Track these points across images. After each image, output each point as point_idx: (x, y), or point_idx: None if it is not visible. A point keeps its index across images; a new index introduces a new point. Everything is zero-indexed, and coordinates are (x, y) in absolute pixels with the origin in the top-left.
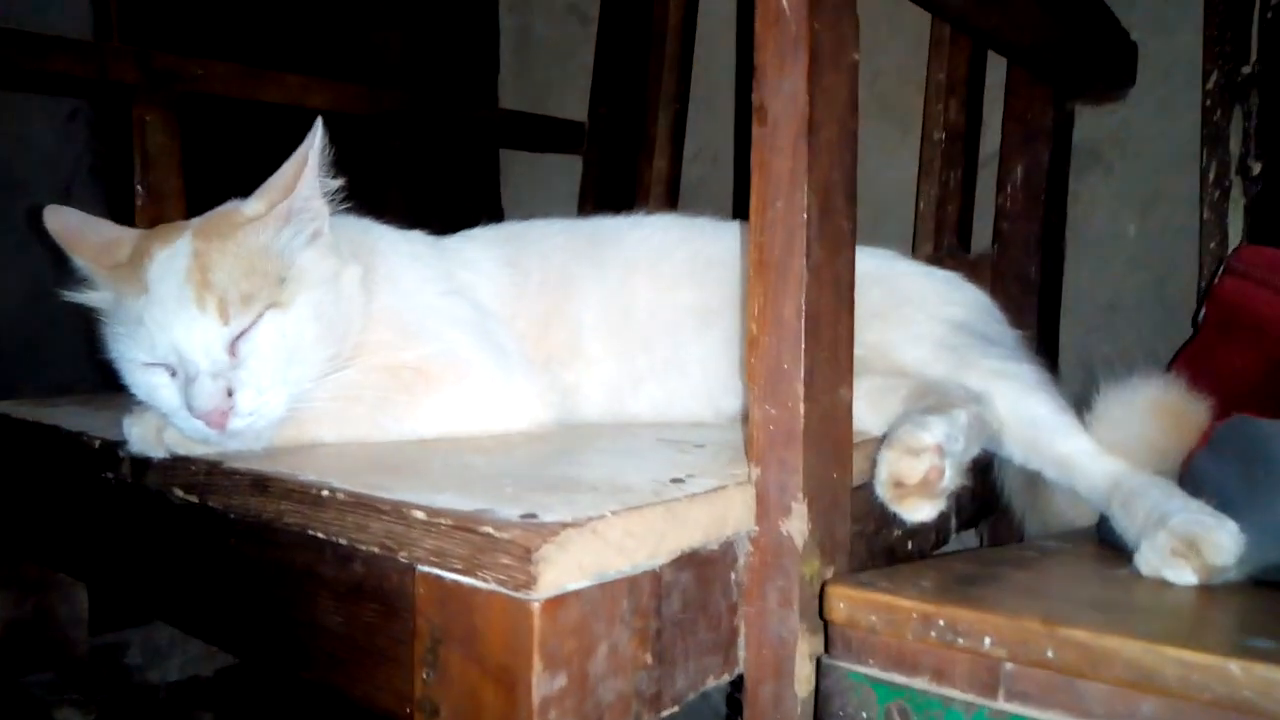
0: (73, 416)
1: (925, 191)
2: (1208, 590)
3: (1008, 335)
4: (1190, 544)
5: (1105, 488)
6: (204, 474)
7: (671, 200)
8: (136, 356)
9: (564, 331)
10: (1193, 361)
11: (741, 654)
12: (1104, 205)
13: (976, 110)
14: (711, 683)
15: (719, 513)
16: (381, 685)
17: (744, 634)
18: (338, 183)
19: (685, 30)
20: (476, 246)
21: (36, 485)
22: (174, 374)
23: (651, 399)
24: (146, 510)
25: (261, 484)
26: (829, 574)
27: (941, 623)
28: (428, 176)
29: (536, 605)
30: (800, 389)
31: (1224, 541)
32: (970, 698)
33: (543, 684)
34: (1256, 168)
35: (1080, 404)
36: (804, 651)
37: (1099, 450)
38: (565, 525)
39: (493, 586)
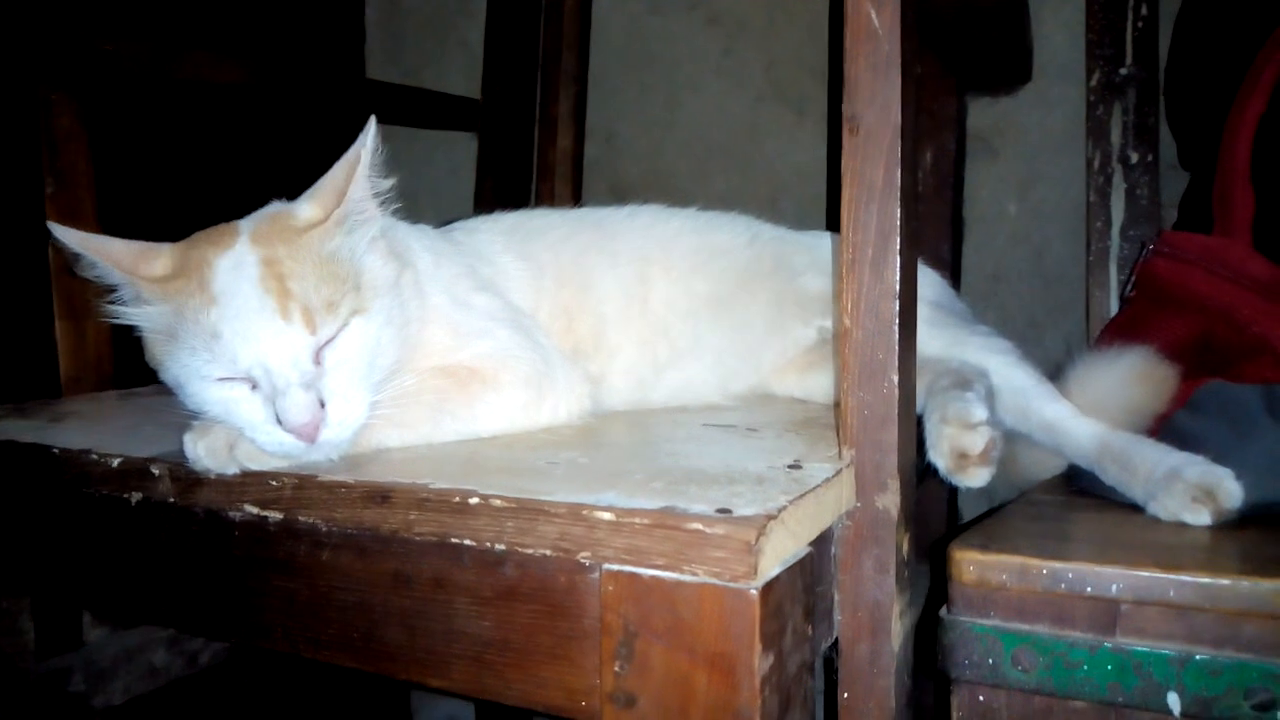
0: (48, 433)
1: None
2: (1225, 528)
3: (965, 310)
4: (1208, 491)
5: (1091, 448)
6: (291, 489)
7: (576, 179)
8: (210, 372)
9: (587, 324)
10: (1125, 330)
11: (837, 618)
12: (988, 187)
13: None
14: (823, 647)
15: (837, 494)
16: (547, 683)
17: (838, 600)
18: (389, 183)
19: (582, 10)
20: (483, 240)
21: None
22: (254, 387)
23: (670, 386)
24: (189, 530)
25: (382, 495)
26: (906, 541)
27: (1070, 575)
28: (292, 150)
29: (755, 593)
30: (895, 376)
31: (1234, 488)
32: (1091, 637)
33: (761, 665)
34: (1134, 157)
35: None
36: (897, 612)
37: (1078, 413)
38: (768, 518)
39: (704, 579)
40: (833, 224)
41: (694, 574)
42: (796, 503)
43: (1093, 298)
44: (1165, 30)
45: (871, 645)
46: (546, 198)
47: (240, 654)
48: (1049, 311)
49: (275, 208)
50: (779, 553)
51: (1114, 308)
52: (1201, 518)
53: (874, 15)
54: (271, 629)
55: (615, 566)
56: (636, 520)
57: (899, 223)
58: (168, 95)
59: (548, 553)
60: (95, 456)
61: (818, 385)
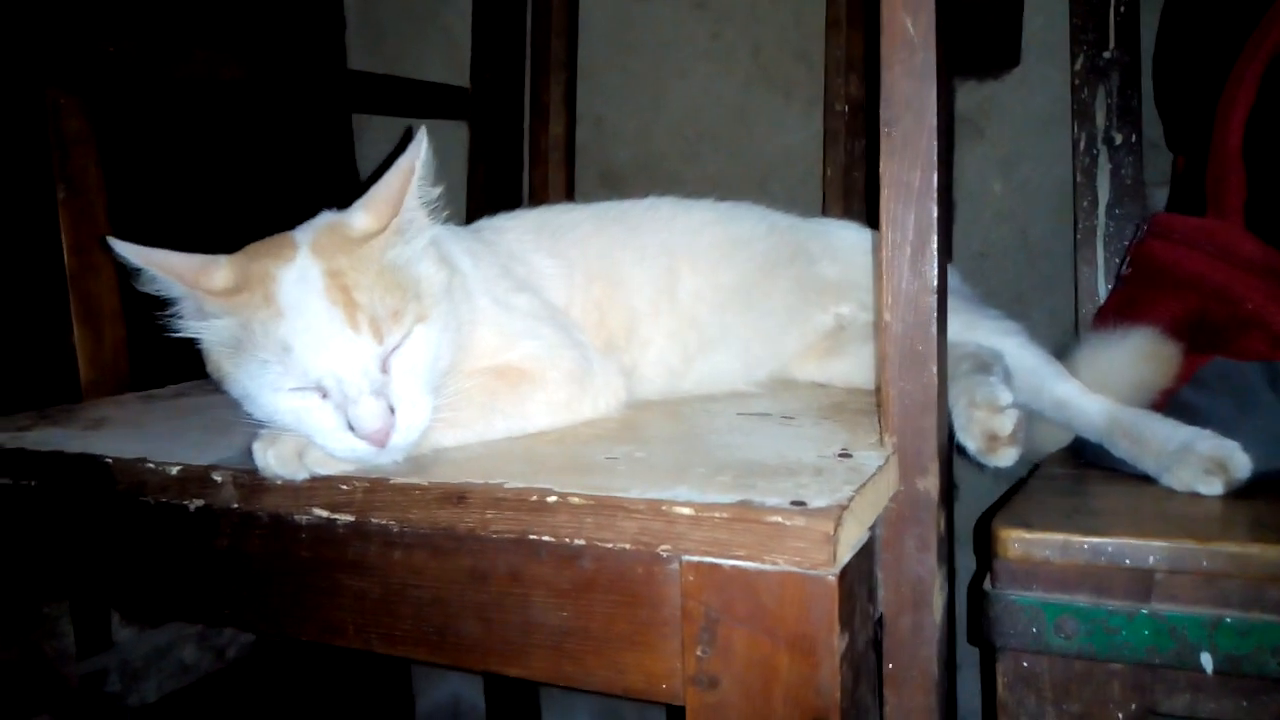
0: (93, 441)
1: (832, 159)
2: (1236, 497)
3: (971, 292)
4: (1220, 464)
5: (1102, 423)
6: (363, 492)
7: (569, 165)
8: (282, 383)
9: (619, 318)
10: (1123, 309)
11: (880, 594)
12: (974, 167)
13: (875, 84)
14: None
15: (887, 480)
16: (627, 668)
17: (882, 578)
18: (438, 190)
19: None
20: (513, 239)
21: (58, 520)
22: (324, 396)
23: (699, 375)
24: (252, 534)
25: (458, 496)
26: (943, 520)
27: (1110, 549)
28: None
29: (833, 579)
30: (934, 367)
31: (1243, 459)
32: (1128, 605)
33: (840, 645)
34: (1119, 138)
35: None
36: (937, 586)
37: (1087, 390)
38: (841, 508)
39: (785, 568)
40: (829, 206)
41: (775, 563)
42: (860, 492)
43: (1080, 274)
44: (1147, 14)
45: (914, 618)
46: (540, 184)
47: (264, 646)
48: (1034, 287)
49: (328, 218)
50: (850, 540)
51: (1101, 284)
52: (1214, 488)
53: (910, 24)
54: (343, 626)
55: (695, 558)
56: (716, 514)
57: (935, 221)
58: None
59: (627, 546)
60: (152, 465)
61: (837, 370)
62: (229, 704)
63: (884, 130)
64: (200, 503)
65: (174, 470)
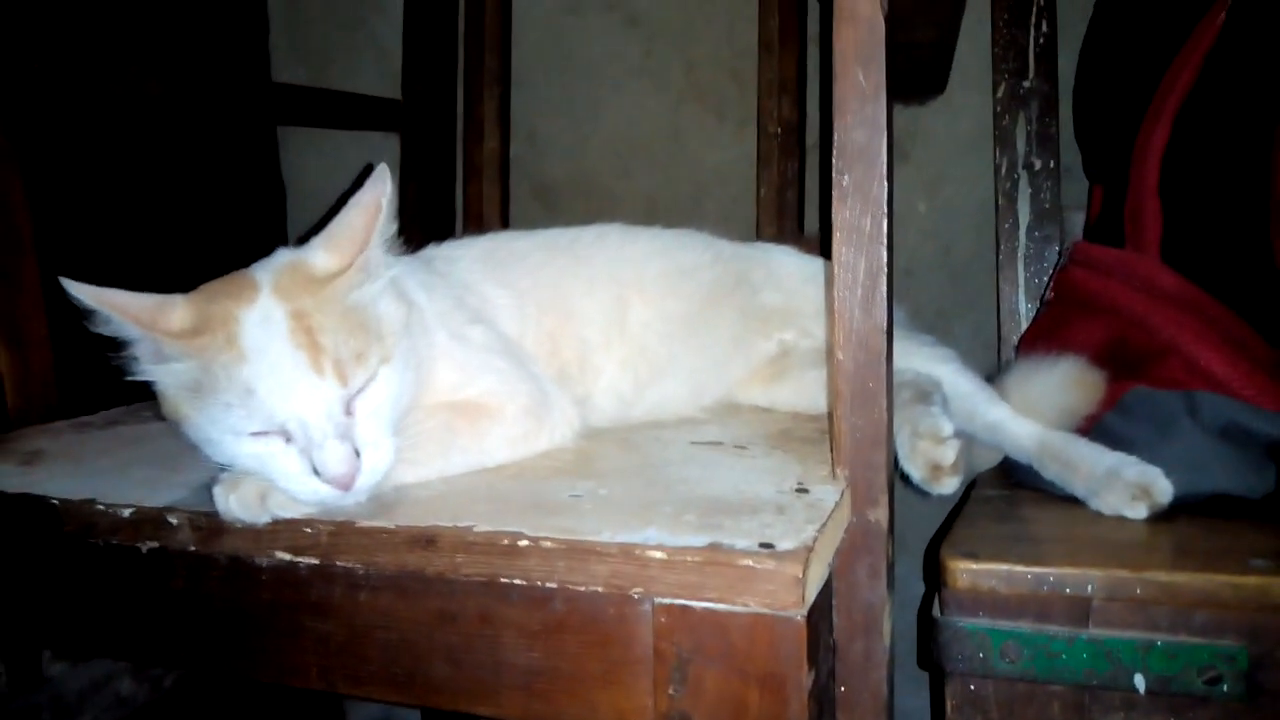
0: (33, 479)
1: (766, 180)
2: (1158, 520)
3: (904, 316)
4: (1145, 489)
5: (1031, 446)
6: (328, 535)
7: (503, 181)
8: (244, 428)
9: (571, 348)
10: (1047, 333)
11: (834, 620)
12: (900, 187)
13: (804, 106)
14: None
15: (842, 514)
16: (598, 706)
17: (835, 605)
18: (395, 226)
19: (503, 10)
20: (464, 269)
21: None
22: (288, 439)
23: (649, 403)
24: (209, 576)
25: (426, 539)
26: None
27: (1052, 578)
28: (200, 154)
29: (801, 619)
30: (884, 402)
31: (1166, 485)
32: (1068, 630)
33: (808, 681)
34: (1038, 164)
35: None
36: (887, 612)
37: (1016, 415)
38: (807, 550)
39: (755, 609)
40: (762, 226)
41: (745, 605)
42: (822, 531)
43: (1002, 292)
44: (1065, 46)
45: (865, 643)
46: (474, 200)
47: (199, 676)
48: (956, 303)
49: (288, 256)
50: (816, 580)
51: (1022, 301)
52: (1140, 512)
53: (861, 77)
54: (305, 668)
55: (668, 600)
56: (688, 558)
57: (885, 265)
58: (83, 110)
59: (599, 589)
60: (103, 507)
61: (781, 396)
62: None
63: (836, 178)
64: (154, 545)
65: (126, 512)
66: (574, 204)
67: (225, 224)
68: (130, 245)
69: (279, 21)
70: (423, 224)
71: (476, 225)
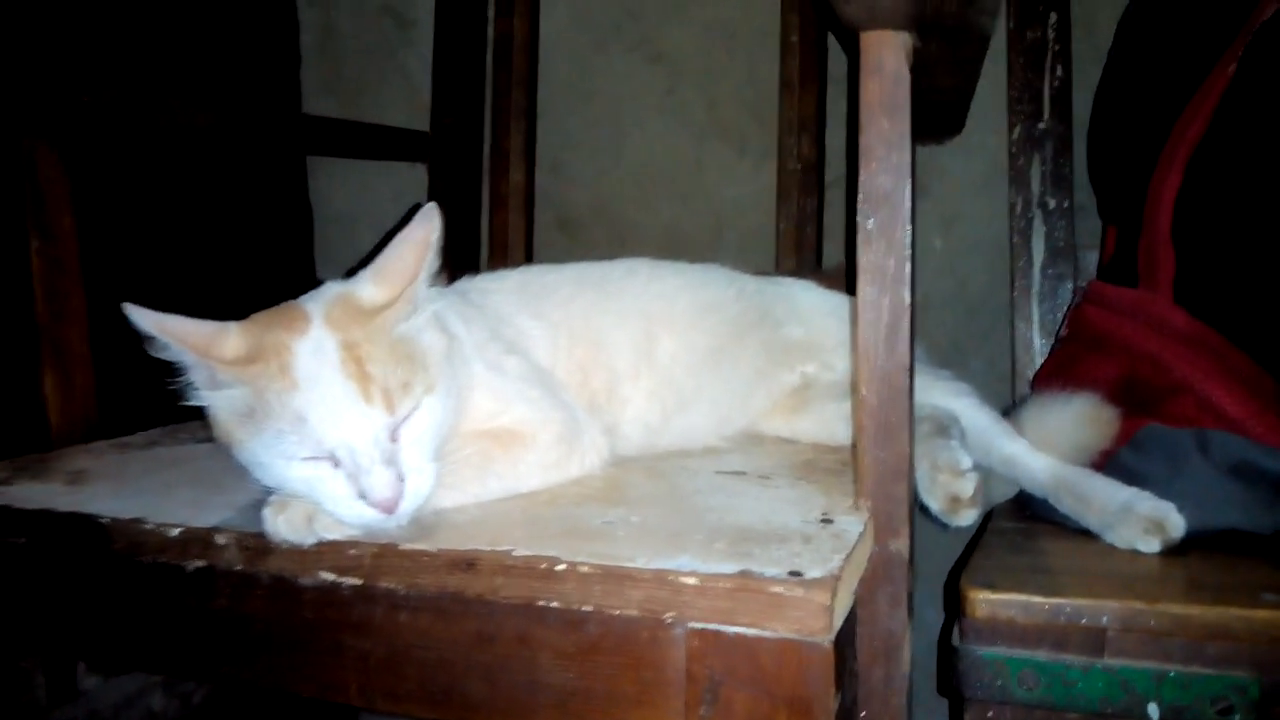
0: (81, 499)
1: (785, 214)
2: (1171, 554)
3: (922, 352)
4: (1158, 524)
5: (1046, 480)
6: (371, 557)
7: (528, 212)
8: (296, 453)
9: (601, 379)
10: (1062, 370)
11: (856, 647)
12: (917, 223)
13: (823, 143)
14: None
15: (866, 544)
16: None
17: (858, 632)
18: (438, 262)
19: (531, 46)
20: (499, 301)
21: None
22: (336, 464)
23: (675, 432)
24: (253, 595)
25: (467, 563)
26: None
27: (1069, 609)
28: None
29: (829, 645)
30: (906, 436)
31: (1179, 520)
32: (1084, 659)
33: (834, 705)
34: (1052, 203)
35: None
36: (907, 639)
37: (1032, 449)
38: (834, 579)
39: (784, 635)
40: (781, 259)
41: (775, 630)
42: (847, 561)
43: (1016, 329)
44: (1079, 89)
45: (886, 669)
46: (499, 230)
47: (227, 691)
48: (971, 337)
49: (337, 288)
50: (842, 608)
51: (1036, 337)
52: (1153, 546)
53: (887, 125)
54: (345, 685)
55: (700, 625)
56: (720, 584)
57: (908, 305)
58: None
59: (634, 613)
60: (150, 526)
61: (803, 428)
62: None
63: (861, 221)
64: (200, 564)
65: (174, 532)
66: (596, 235)
67: (255, 250)
68: (164, 269)
69: (311, 55)
70: (449, 253)
71: (501, 255)
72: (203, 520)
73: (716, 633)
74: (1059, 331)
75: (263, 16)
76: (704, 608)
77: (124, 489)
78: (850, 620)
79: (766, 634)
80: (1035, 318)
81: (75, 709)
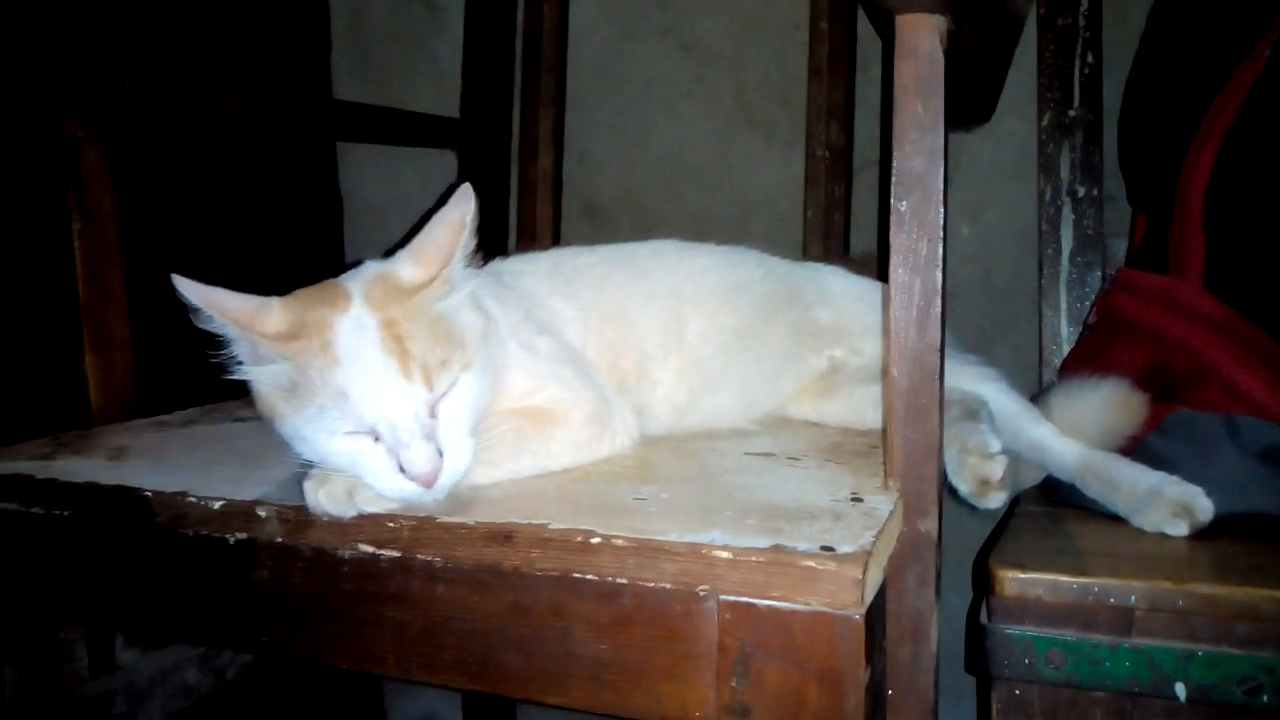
0: (125, 473)
1: (813, 202)
2: (1199, 538)
3: (952, 338)
4: (1186, 508)
5: (1074, 464)
6: (410, 530)
7: (556, 199)
8: (337, 427)
9: (631, 359)
10: (1090, 356)
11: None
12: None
13: (851, 131)
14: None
15: (896, 523)
16: (663, 697)
17: (886, 610)
18: (474, 242)
19: (560, 34)
20: (531, 283)
21: (90, 549)
22: (376, 439)
23: (703, 413)
24: (294, 567)
25: (504, 535)
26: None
27: (1096, 589)
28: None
29: (860, 618)
30: (936, 418)
31: (1207, 504)
32: (1111, 639)
33: (864, 677)
34: (1081, 191)
35: None
36: (935, 619)
37: (1059, 434)
38: (866, 554)
39: (816, 608)
40: (809, 246)
41: (806, 603)
42: (879, 537)
43: (1045, 317)
44: (1109, 76)
45: (913, 649)
46: (527, 217)
47: (259, 668)
48: (997, 325)
49: (376, 268)
50: (874, 582)
51: (1064, 326)
52: (1181, 530)
53: (921, 109)
54: (383, 656)
55: (732, 598)
56: (753, 558)
57: (940, 288)
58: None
59: (667, 586)
60: (194, 499)
61: (830, 411)
62: None
63: (894, 204)
64: (242, 536)
65: (216, 505)
66: (623, 222)
67: (286, 235)
68: (198, 255)
69: (342, 42)
70: (478, 238)
71: (529, 241)
72: (244, 494)
73: (749, 605)
74: (1087, 319)
75: (294, 3)
76: (736, 581)
77: (164, 465)
78: (880, 596)
79: (799, 607)
80: (1063, 306)
81: (113, 680)
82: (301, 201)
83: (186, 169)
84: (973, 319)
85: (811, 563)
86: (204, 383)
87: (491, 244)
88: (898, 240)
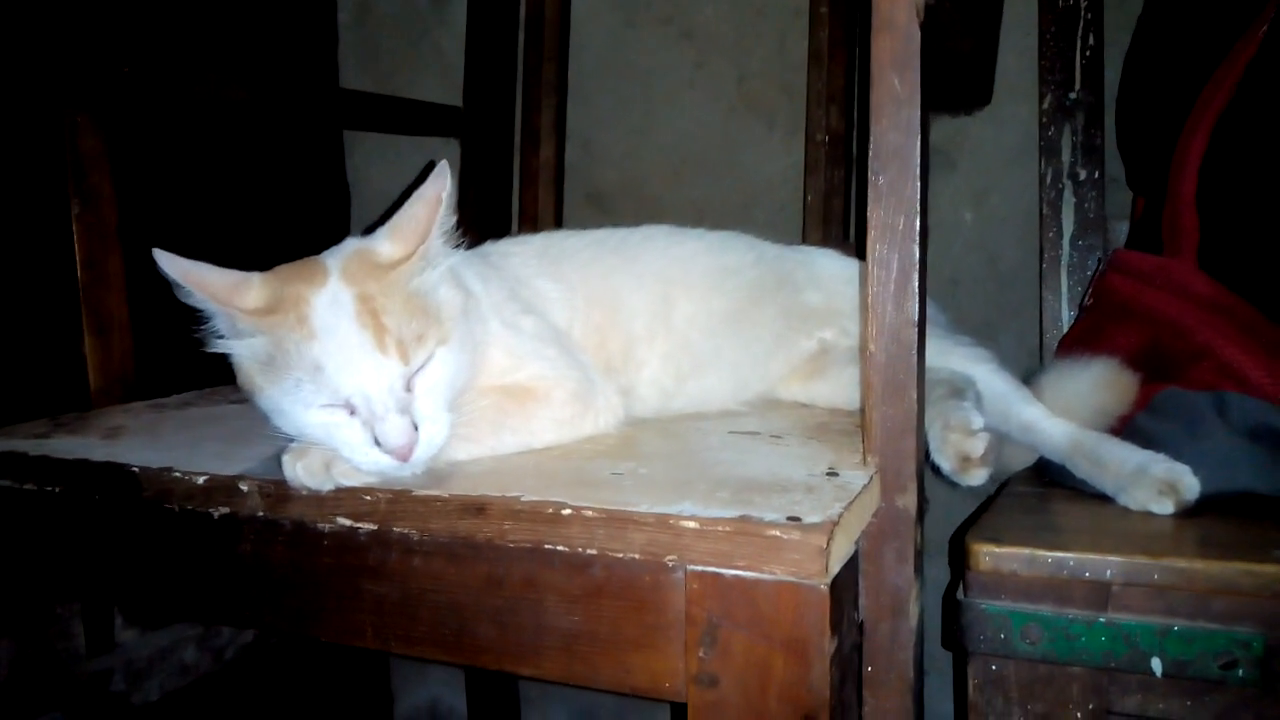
0: (116, 450)
1: (813, 187)
2: (1185, 516)
3: (945, 319)
4: (1172, 486)
5: (1064, 445)
6: (386, 503)
7: (558, 188)
8: (313, 400)
9: (618, 340)
10: (1085, 338)
11: (862, 602)
12: (946, 196)
13: (851, 116)
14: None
15: (870, 497)
16: (633, 668)
17: (863, 586)
18: (453, 219)
19: (562, 23)
20: (519, 264)
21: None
22: (352, 412)
23: (690, 395)
24: (275, 540)
25: (477, 507)
26: (919, 535)
27: (1072, 563)
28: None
29: (825, 588)
30: (914, 393)
31: (1193, 482)
32: (1087, 614)
33: (830, 647)
34: (1083, 174)
35: None
36: (914, 595)
37: (1050, 414)
38: (832, 524)
39: (781, 577)
40: (809, 232)
41: (772, 573)
42: (849, 509)
43: (1045, 301)
44: (1110, 58)
45: (892, 625)
46: (529, 205)
47: (258, 648)
48: (1001, 313)
49: (355, 244)
50: (840, 553)
51: (1065, 310)
52: (1166, 508)
53: (897, 82)
54: (362, 628)
55: (699, 568)
56: (719, 528)
57: (917, 262)
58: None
59: (636, 556)
60: (179, 474)
61: (819, 392)
62: (226, 703)
63: (871, 178)
64: (225, 510)
65: (200, 480)
66: (625, 211)
67: (292, 223)
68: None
69: (348, 33)
70: (480, 227)
71: (531, 229)
72: (227, 469)
73: (715, 575)
74: (1083, 301)
75: None
76: (703, 550)
77: (157, 443)
78: (851, 568)
79: (764, 576)
80: (1064, 290)
81: (112, 659)
82: (309, 189)
83: (196, 157)
84: (978, 306)
85: (777, 532)
86: (205, 368)
87: (494, 231)
88: (874, 215)
